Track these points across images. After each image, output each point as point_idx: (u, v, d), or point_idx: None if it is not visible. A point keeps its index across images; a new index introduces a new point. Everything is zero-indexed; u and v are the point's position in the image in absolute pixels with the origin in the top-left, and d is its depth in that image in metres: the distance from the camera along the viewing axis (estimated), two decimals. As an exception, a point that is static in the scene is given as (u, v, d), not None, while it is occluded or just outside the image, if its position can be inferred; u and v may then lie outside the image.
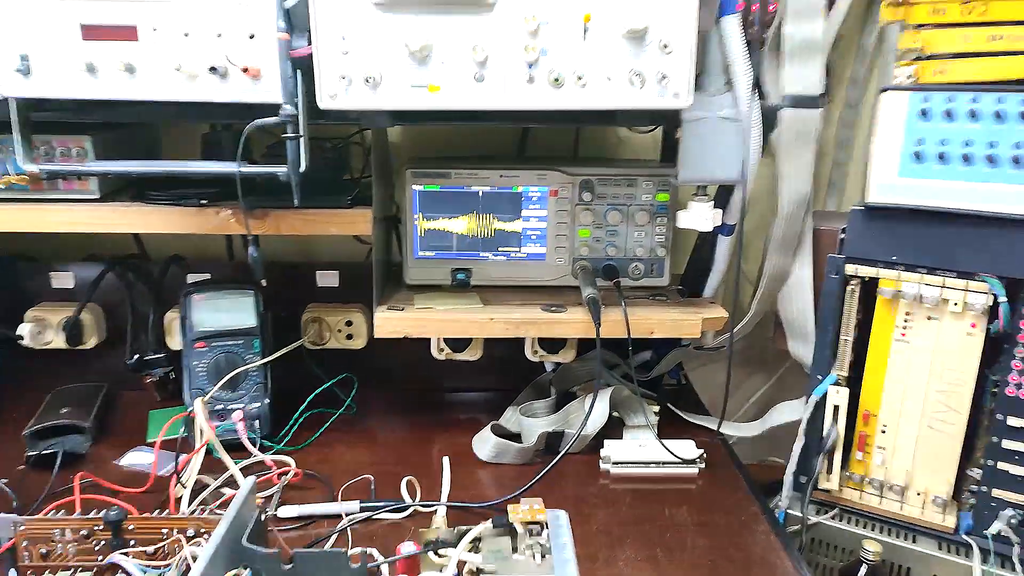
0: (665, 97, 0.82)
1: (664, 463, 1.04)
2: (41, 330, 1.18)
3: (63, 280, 1.24)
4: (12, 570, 0.73)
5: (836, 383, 0.98)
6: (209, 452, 0.97)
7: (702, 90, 0.89)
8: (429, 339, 1.15)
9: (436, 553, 0.77)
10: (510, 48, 0.81)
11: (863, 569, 0.90)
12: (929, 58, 0.88)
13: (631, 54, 0.81)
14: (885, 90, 0.88)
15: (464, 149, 1.30)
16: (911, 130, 0.87)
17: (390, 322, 1.04)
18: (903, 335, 0.94)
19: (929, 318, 0.92)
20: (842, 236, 0.96)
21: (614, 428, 1.11)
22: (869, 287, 0.95)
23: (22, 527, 0.72)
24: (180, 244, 1.27)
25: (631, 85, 0.81)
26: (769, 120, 0.92)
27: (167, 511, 0.88)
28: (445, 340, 1.15)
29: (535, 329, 1.05)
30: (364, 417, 1.19)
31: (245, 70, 0.76)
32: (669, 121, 0.90)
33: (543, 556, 0.69)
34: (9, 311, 1.19)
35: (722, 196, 1.03)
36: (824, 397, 0.98)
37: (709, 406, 1.25)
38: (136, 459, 1.05)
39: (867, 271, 0.94)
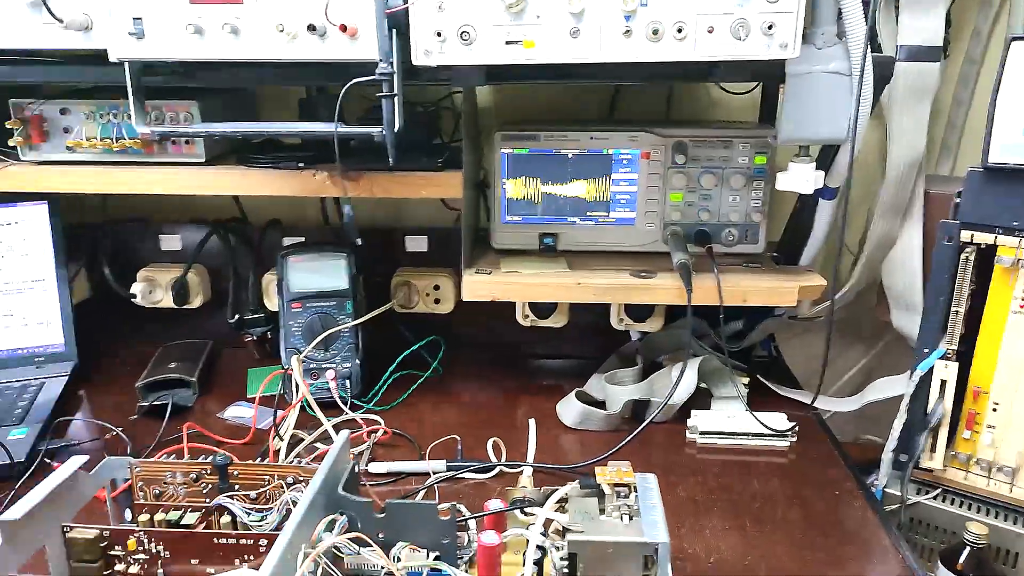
0: (771, 48, 0.78)
1: (754, 435, 1.02)
2: (152, 289, 1.25)
3: (171, 242, 1.31)
4: (127, 509, 0.79)
5: (944, 357, 0.92)
6: (303, 408, 1.01)
7: (810, 42, 0.84)
8: (514, 306, 1.15)
9: (523, 511, 0.78)
10: (607, -1, 0.79)
11: (966, 552, 0.86)
12: (1066, 3, 0.81)
13: (735, 2, 0.77)
14: (1015, 39, 0.81)
15: (554, 113, 1.29)
16: (1040, 83, 0.81)
17: (478, 285, 1.04)
18: (1022, 307, 0.88)
19: (1053, 290, 0.85)
20: (957, 200, 0.90)
21: (701, 400, 1.08)
22: (985, 255, 0.89)
23: (138, 469, 0.77)
24: (277, 209, 1.32)
25: (734, 36, 0.78)
26: (882, 74, 0.87)
27: (267, 461, 0.93)
28: (530, 306, 1.15)
29: (623, 295, 1.04)
30: (450, 380, 1.21)
31: (343, 28, 0.78)
32: (772, 77, 0.86)
33: (631, 518, 0.68)
34: (124, 271, 1.27)
35: (825, 157, 0.98)
36: (930, 372, 0.93)
37: (802, 380, 1.21)
38: (237, 413, 1.10)
39: (984, 237, 0.88)
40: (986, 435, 0.92)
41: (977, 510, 0.93)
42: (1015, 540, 0.90)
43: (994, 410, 0.91)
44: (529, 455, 0.98)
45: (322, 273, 1.15)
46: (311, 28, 0.79)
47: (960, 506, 0.94)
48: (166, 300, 1.26)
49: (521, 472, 0.92)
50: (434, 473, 0.93)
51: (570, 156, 1.07)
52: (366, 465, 0.95)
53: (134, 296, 1.23)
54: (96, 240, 1.27)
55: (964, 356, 0.93)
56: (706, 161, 1.06)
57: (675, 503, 0.88)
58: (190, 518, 0.74)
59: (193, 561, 0.67)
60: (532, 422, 1.05)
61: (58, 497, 0.68)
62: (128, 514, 0.78)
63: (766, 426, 1.01)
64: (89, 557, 0.66)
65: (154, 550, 0.67)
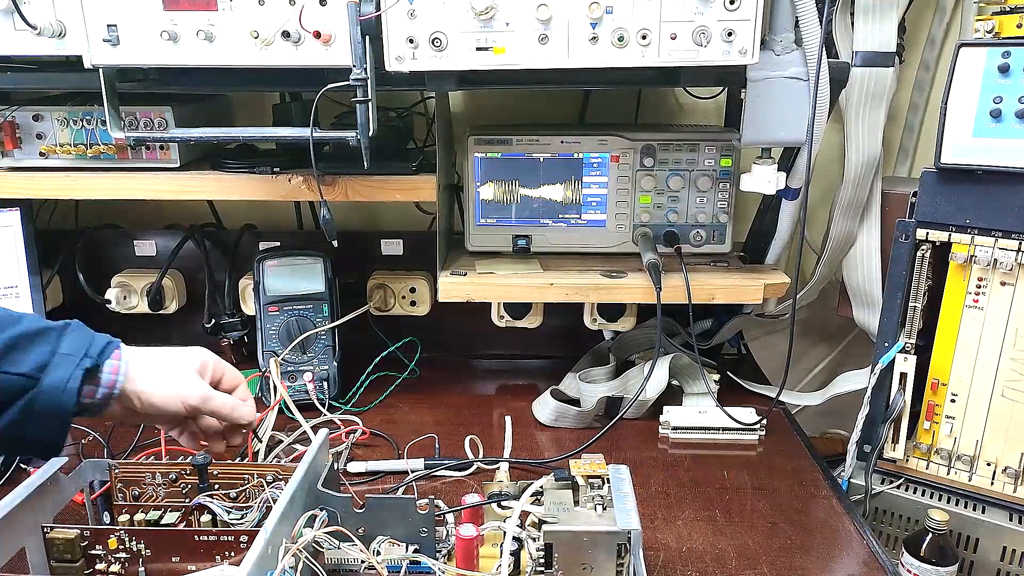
0: (731, 55, 0.81)
1: (724, 429, 1.04)
2: (126, 295, 1.25)
3: (146, 248, 1.31)
4: (106, 512, 0.79)
5: (903, 351, 0.96)
6: (281, 411, 1.02)
7: (769, 48, 0.87)
8: (490, 308, 1.17)
9: (499, 505, 0.80)
10: (575, 7, 0.81)
11: (928, 539, 0.89)
12: (1013, 11, 0.85)
13: (696, 11, 0.80)
14: (962, 46, 0.85)
15: (526, 118, 1.31)
16: (988, 87, 0.84)
17: (453, 286, 1.06)
18: (975, 301, 0.91)
19: (1004, 284, 0.89)
20: (913, 199, 0.94)
21: (674, 397, 1.11)
22: (940, 252, 0.93)
23: (117, 470, 0.77)
24: (252, 214, 1.32)
25: (696, 42, 0.81)
26: (838, 79, 0.90)
27: (246, 461, 0.94)
28: (505, 307, 1.17)
29: (595, 294, 1.06)
30: (427, 381, 1.23)
31: (317, 35, 0.79)
32: (734, 82, 0.89)
33: (604, 508, 0.70)
34: (97, 277, 1.26)
35: (787, 159, 1.01)
36: (891, 365, 0.96)
37: (770, 377, 1.24)
38: (214, 416, 1.10)
39: (939, 235, 0.92)
40: (945, 425, 0.96)
41: (939, 498, 0.96)
42: (975, 526, 0.93)
43: (952, 401, 0.95)
44: (506, 451, 1.00)
45: (299, 277, 1.16)
46: (285, 35, 0.81)
47: (922, 494, 0.97)
48: (141, 306, 1.25)
49: (498, 468, 0.94)
50: (412, 471, 0.95)
51: (542, 160, 1.10)
52: (345, 465, 0.96)
53: (109, 302, 1.23)
54: (70, 246, 1.27)
55: (923, 350, 0.96)
56: (674, 164, 1.09)
57: (648, 496, 0.90)
58: (170, 518, 0.74)
59: (174, 559, 0.67)
60: (508, 419, 1.07)
61: (37, 499, 0.69)
62: (107, 517, 0.79)
63: (736, 420, 1.04)
64: (70, 557, 0.67)
65: (135, 548, 0.67)
